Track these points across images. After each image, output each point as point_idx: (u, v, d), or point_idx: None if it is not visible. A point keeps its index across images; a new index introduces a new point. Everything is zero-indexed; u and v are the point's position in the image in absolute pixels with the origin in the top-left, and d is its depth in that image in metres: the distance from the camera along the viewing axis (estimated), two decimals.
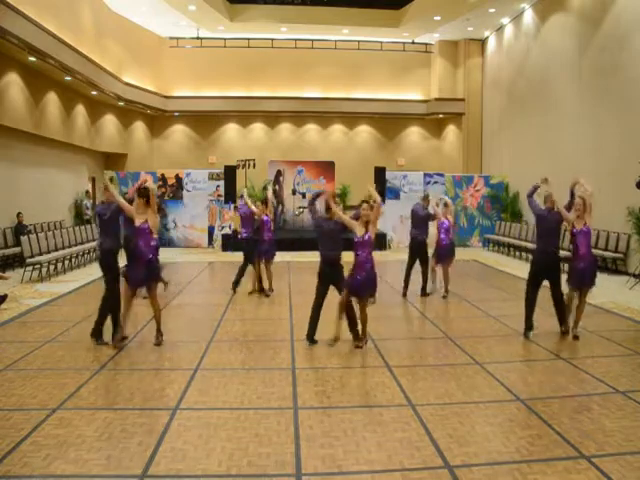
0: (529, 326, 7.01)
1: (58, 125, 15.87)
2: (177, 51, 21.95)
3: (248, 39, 21.84)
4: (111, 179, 8.62)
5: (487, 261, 14.52)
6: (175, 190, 17.44)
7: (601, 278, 11.67)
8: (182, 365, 5.95)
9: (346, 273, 6.53)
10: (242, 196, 10.65)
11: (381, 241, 16.31)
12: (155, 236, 6.72)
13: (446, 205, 9.80)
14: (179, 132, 22.96)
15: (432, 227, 9.94)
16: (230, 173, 16.94)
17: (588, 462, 3.82)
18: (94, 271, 12.27)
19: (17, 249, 12.28)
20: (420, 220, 9.55)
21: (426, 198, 9.76)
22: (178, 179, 17.50)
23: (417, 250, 9.54)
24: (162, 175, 17.54)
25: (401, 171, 19.20)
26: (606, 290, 9.98)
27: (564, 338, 6.95)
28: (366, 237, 6.32)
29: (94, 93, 17.38)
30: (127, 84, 19.16)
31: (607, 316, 8.21)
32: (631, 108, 12.06)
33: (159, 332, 6.72)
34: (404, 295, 9.57)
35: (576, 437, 4.18)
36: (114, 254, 6.72)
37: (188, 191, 17.41)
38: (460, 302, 9.28)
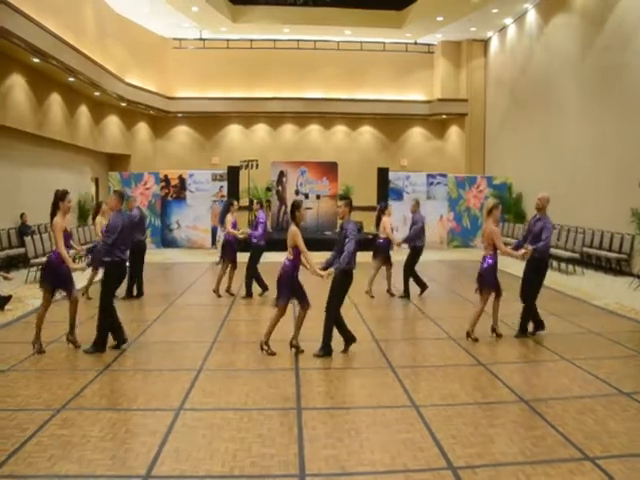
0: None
1: (61, 126, 15.90)
2: (180, 52, 22.00)
3: (251, 40, 21.88)
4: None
5: None
6: (178, 190, 17.46)
7: (605, 279, 11.74)
8: (186, 366, 5.96)
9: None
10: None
11: None
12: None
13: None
14: (182, 133, 23.00)
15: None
16: (233, 174, 16.93)
17: (592, 464, 3.80)
18: (96, 272, 12.28)
19: (21, 250, 12.30)
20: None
21: (416, 204, 9.97)
22: (181, 180, 17.51)
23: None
24: (165, 176, 17.56)
25: (404, 172, 19.17)
26: (610, 291, 9.96)
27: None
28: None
29: (97, 94, 17.42)
30: (130, 85, 19.18)
31: (611, 317, 8.18)
32: (635, 108, 12.03)
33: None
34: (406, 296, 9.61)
35: (580, 438, 4.17)
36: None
37: (191, 192, 17.42)
38: (463, 303, 9.27)
